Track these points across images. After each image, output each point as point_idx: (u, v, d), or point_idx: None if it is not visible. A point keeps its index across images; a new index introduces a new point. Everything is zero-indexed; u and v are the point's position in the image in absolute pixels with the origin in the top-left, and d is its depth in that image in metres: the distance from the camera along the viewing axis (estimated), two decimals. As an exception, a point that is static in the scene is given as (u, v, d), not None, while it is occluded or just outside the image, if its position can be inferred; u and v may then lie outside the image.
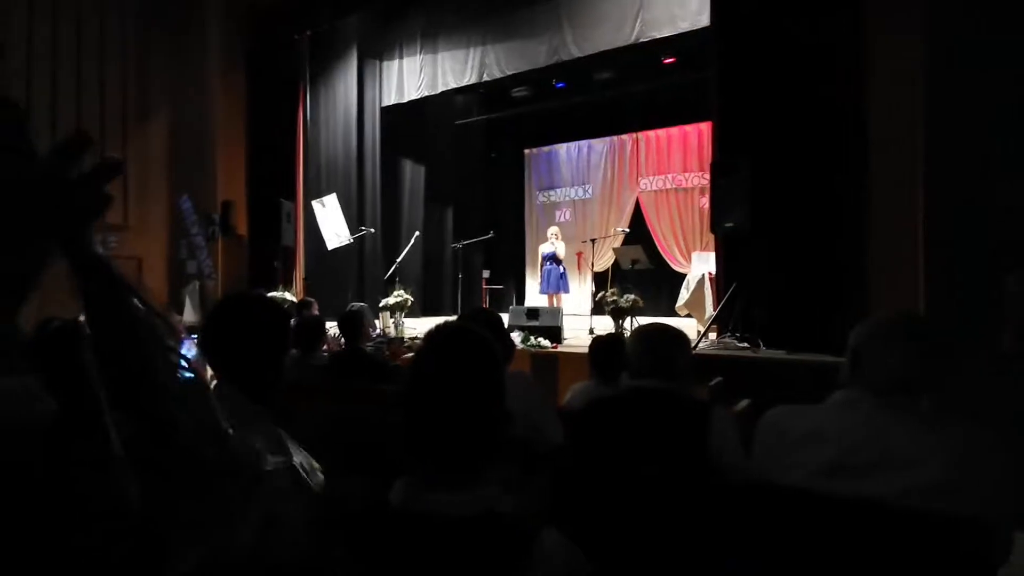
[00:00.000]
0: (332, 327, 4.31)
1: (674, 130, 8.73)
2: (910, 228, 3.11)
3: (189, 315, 6.62)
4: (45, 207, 0.52)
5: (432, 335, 0.92)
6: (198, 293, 6.87)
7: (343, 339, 3.68)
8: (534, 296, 9.62)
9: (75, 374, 0.64)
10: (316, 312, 5.19)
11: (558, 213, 9.89)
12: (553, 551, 0.76)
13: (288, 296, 6.66)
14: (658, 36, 5.99)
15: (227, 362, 1.27)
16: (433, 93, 7.74)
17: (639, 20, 6.02)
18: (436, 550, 0.77)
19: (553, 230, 7.48)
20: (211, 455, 0.84)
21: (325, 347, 4.01)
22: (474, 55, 7.16)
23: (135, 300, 0.72)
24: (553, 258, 7.19)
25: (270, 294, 6.12)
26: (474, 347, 0.87)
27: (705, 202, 7.60)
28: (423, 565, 0.77)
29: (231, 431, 0.91)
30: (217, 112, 7.04)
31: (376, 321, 6.52)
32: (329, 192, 7.41)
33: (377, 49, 8.10)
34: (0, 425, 0.70)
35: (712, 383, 3.96)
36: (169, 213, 7.26)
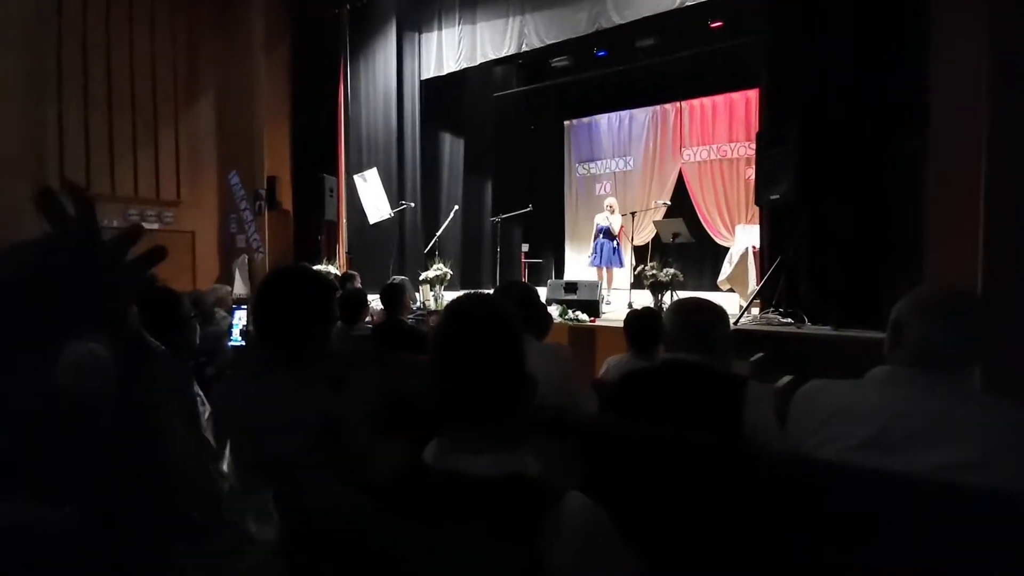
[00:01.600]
0: (374, 299, 4.43)
1: (719, 98, 8.42)
2: (970, 201, 2.94)
3: (239, 287, 6.89)
4: (102, 289, 0.56)
5: (451, 304, 0.96)
6: (247, 266, 7.14)
7: (385, 310, 3.78)
8: (573, 270, 9.58)
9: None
10: (359, 285, 5.33)
11: (598, 186, 9.75)
12: (577, 513, 0.79)
13: (332, 269, 6.85)
14: (704, -1, 5.75)
15: (276, 331, 1.35)
16: (472, 65, 7.67)
17: (684, -18, 5.77)
18: (463, 507, 0.81)
19: (609, 202, 7.37)
20: (200, 516, 0.82)
21: (368, 318, 4.12)
22: (513, 25, 7.04)
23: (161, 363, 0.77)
24: (607, 232, 7.08)
25: (315, 267, 6.31)
26: (488, 313, 0.90)
27: (751, 173, 7.34)
28: (451, 521, 0.81)
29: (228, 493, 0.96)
30: (262, 89, 7.20)
31: (416, 294, 6.64)
32: (370, 166, 7.51)
33: (415, 21, 8.05)
34: (77, 387, 0.77)
35: (753, 358, 3.89)
36: (219, 189, 7.53)
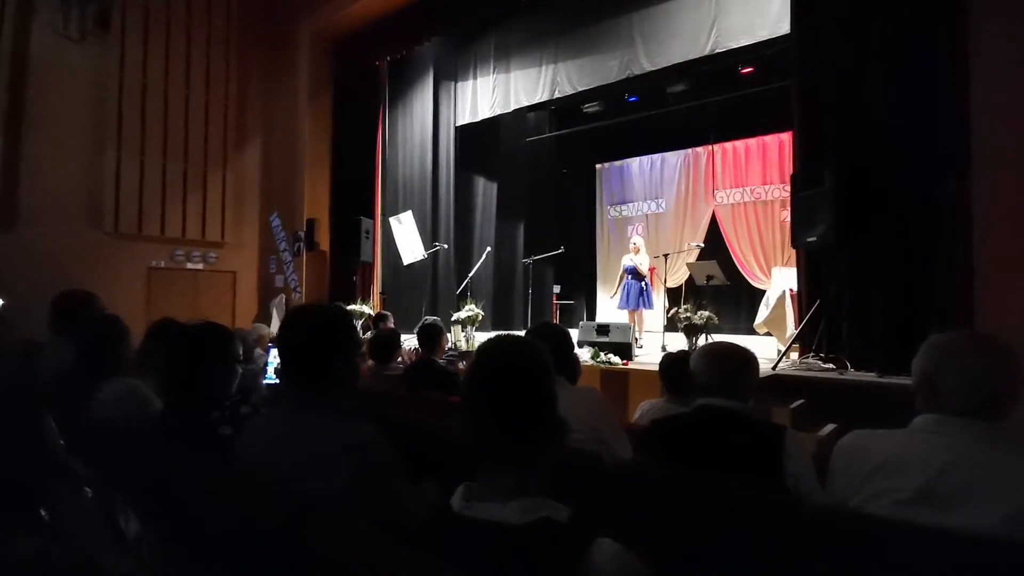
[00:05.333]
0: (407, 340, 4.46)
1: (752, 141, 8.41)
2: (1021, 242, 2.83)
3: (276, 326, 7.05)
4: None
5: (483, 345, 0.95)
6: (284, 306, 7.33)
7: (418, 350, 3.81)
8: (605, 312, 9.50)
9: None
10: (391, 325, 5.39)
11: (630, 228, 9.75)
12: (608, 559, 0.76)
13: (366, 309, 6.97)
14: (735, 46, 5.82)
15: (294, 368, 1.38)
16: (506, 111, 7.90)
17: (715, 30, 5.88)
18: (492, 556, 0.79)
19: (635, 241, 7.18)
20: None
21: (400, 359, 4.15)
22: (546, 72, 7.26)
23: None
24: (634, 272, 6.89)
25: (348, 307, 6.43)
26: (521, 354, 0.90)
27: (786, 215, 7.24)
28: (479, 570, 0.78)
29: None
30: (305, 135, 7.55)
31: (448, 335, 6.67)
32: (405, 209, 7.71)
33: (452, 70, 8.39)
34: (118, 422, 0.79)
35: (793, 405, 3.75)
36: (260, 230, 7.82)
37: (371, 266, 7.66)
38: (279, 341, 1.40)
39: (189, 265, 7.20)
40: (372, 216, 7.66)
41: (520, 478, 0.85)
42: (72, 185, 6.27)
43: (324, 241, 7.67)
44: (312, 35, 7.60)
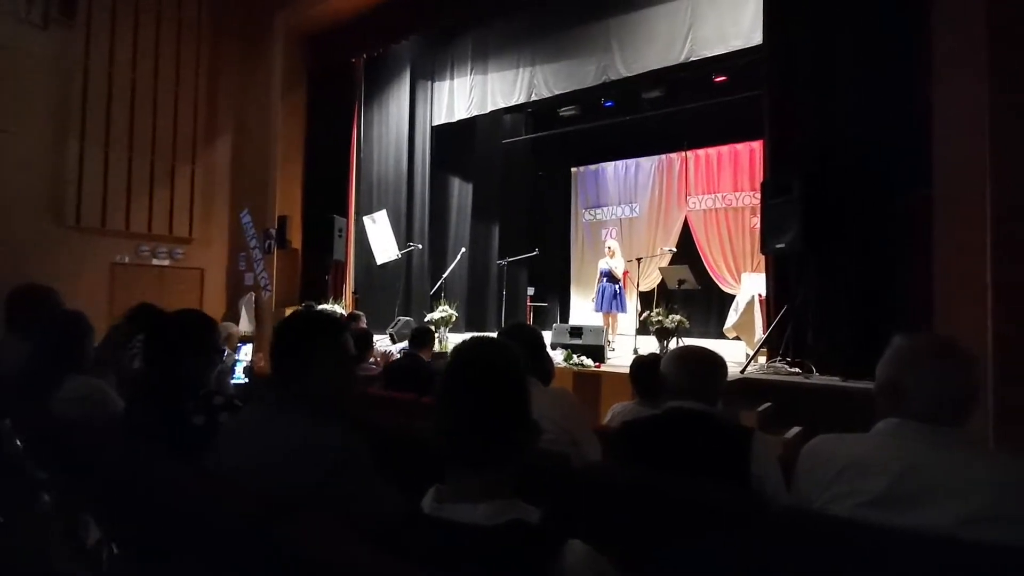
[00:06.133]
0: (379, 340, 4.43)
1: (724, 148, 8.58)
2: (978, 254, 2.95)
3: (244, 325, 6.91)
4: None
5: (458, 347, 0.96)
6: (253, 304, 7.18)
7: (399, 349, 3.89)
8: (579, 314, 9.57)
9: None
10: (364, 325, 5.33)
11: (604, 231, 9.84)
12: (579, 561, 0.77)
13: (338, 309, 6.88)
14: (709, 55, 5.94)
15: (291, 372, 1.37)
16: (482, 112, 7.90)
17: (689, 39, 5.98)
18: (462, 558, 0.79)
19: (609, 244, 7.21)
20: None
21: (373, 359, 4.12)
22: (523, 75, 7.28)
23: None
24: (609, 275, 6.93)
25: (320, 307, 6.34)
26: (495, 357, 0.90)
27: (756, 222, 7.40)
28: (450, 572, 0.78)
29: None
30: (278, 131, 7.41)
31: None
32: (380, 208, 7.64)
33: (428, 70, 8.35)
34: (78, 421, 0.77)
35: (761, 408, 3.83)
36: (230, 226, 7.65)
37: (344, 265, 7.56)
38: (274, 345, 1.39)
39: (155, 261, 6.99)
40: (345, 215, 7.56)
41: (491, 480, 0.85)
42: (32, 177, 6.04)
43: (296, 239, 7.54)
44: (287, 29, 7.47)
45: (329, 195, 7.56)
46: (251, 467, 1.27)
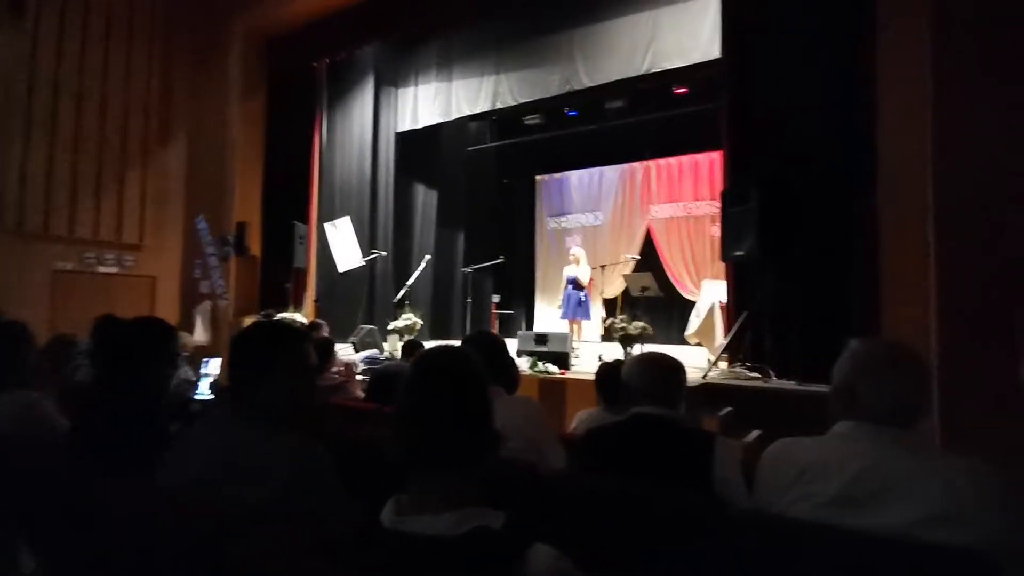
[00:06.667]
0: (342, 348, 4.34)
1: (685, 158, 8.77)
2: (921, 258, 3.08)
3: (199, 335, 6.68)
4: None
5: (418, 355, 0.95)
6: (209, 313, 6.95)
7: (362, 358, 3.76)
8: (544, 321, 9.60)
9: None
10: (326, 334, 5.22)
11: (569, 239, 9.92)
12: (544, 564, 0.76)
13: (298, 317, 6.71)
14: (669, 67, 6.07)
15: (249, 384, 1.32)
16: (447, 120, 7.88)
17: (650, 51, 6.11)
18: (425, 571, 0.77)
19: (574, 252, 7.27)
20: None
21: (335, 368, 4.03)
22: (487, 83, 7.30)
23: None
24: (574, 282, 6.98)
25: (280, 315, 6.19)
26: (455, 365, 0.89)
27: (716, 230, 7.59)
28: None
29: None
30: (236, 135, 7.22)
31: (384, 344, 6.54)
32: (342, 215, 7.51)
33: (393, 76, 8.29)
34: (13, 438, 0.72)
35: (722, 413, 3.90)
36: (184, 233, 7.40)
37: (305, 273, 7.40)
38: (231, 355, 1.35)
39: (101, 269, 6.69)
40: (307, 221, 7.41)
41: (453, 489, 0.84)
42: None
43: (255, 246, 7.34)
44: (245, 31, 7.30)
45: (290, 201, 7.40)
46: (206, 482, 1.22)
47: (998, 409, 2.64)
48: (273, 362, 1.34)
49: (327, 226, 7.38)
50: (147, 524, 1.21)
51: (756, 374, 4.26)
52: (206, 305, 6.99)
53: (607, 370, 2.80)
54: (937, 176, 2.99)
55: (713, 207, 8.15)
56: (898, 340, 1.39)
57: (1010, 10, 2.78)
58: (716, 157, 7.93)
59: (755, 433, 3.66)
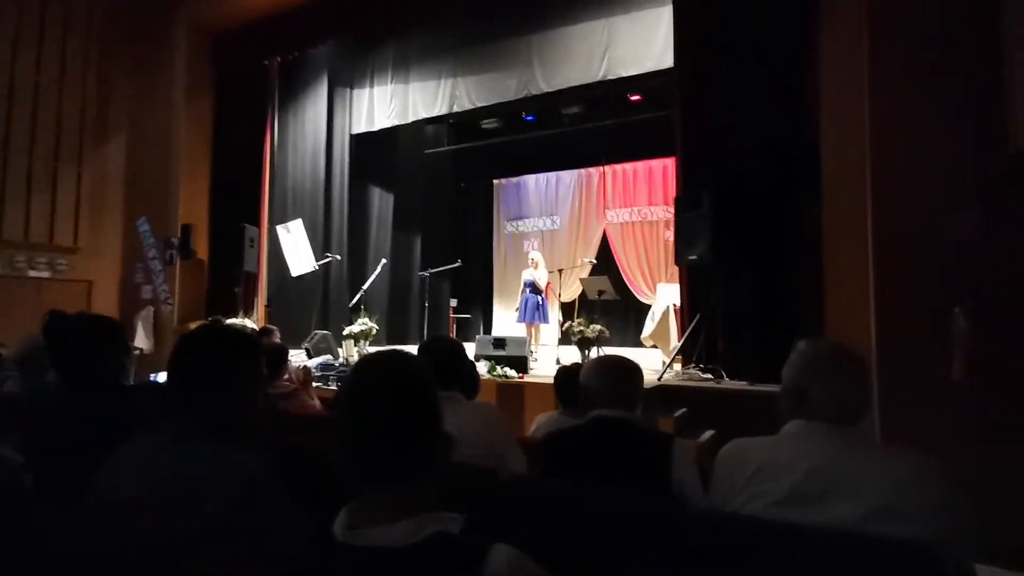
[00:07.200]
0: (295, 355, 4.20)
1: (640, 164, 8.95)
2: (861, 262, 3.22)
3: (141, 341, 6.36)
4: None
5: (359, 360, 0.92)
6: (151, 319, 6.63)
7: (316, 364, 3.61)
8: (502, 325, 9.59)
9: None
10: (277, 340, 5.05)
11: (526, 243, 9.96)
12: (504, 565, 0.75)
13: (248, 323, 6.49)
14: (624, 75, 6.18)
15: (195, 394, 1.24)
16: (403, 122, 7.79)
17: (606, 58, 6.21)
18: None
19: (533, 256, 7.28)
20: None
21: (287, 376, 3.90)
22: (445, 86, 7.26)
23: None
24: (532, 286, 6.99)
25: (229, 321, 5.96)
26: (398, 367, 0.87)
27: (670, 235, 7.76)
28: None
29: None
30: (181, 134, 6.91)
31: (339, 350, 6.38)
32: (295, 218, 7.30)
33: (348, 77, 8.14)
34: None
35: (677, 414, 3.98)
36: (124, 235, 7.04)
37: (256, 277, 7.15)
38: (173, 364, 1.26)
39: (32, 273, 6.28)
40: (258, 224, 7.17)
41: (405, 496, 0.81)
42: None
43: (202, 249, 7.04)
44: (191, 25, 7.00)
45: (240, 203, 7.14)
46: (146, 501, 1.14)
47: (932, 404, 2.78)
48: (235, 371, 1.27)
49: (279, 229, 7.16)
50: (80, 551, 1.12)
51: (709, 375, 4.36)
52: (148, 311, 6.67)
53: (565, 373, 2.81)
54: (874, 181, 3.13)
55: (667, 212, 8.34)
56: (842, 341, 1.44)
57: (943, 17, 2.93)
58: (670, 163, 8.11)
59: (709, 433, 3.75)
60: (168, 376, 1.28)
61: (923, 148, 2.95)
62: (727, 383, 4.21)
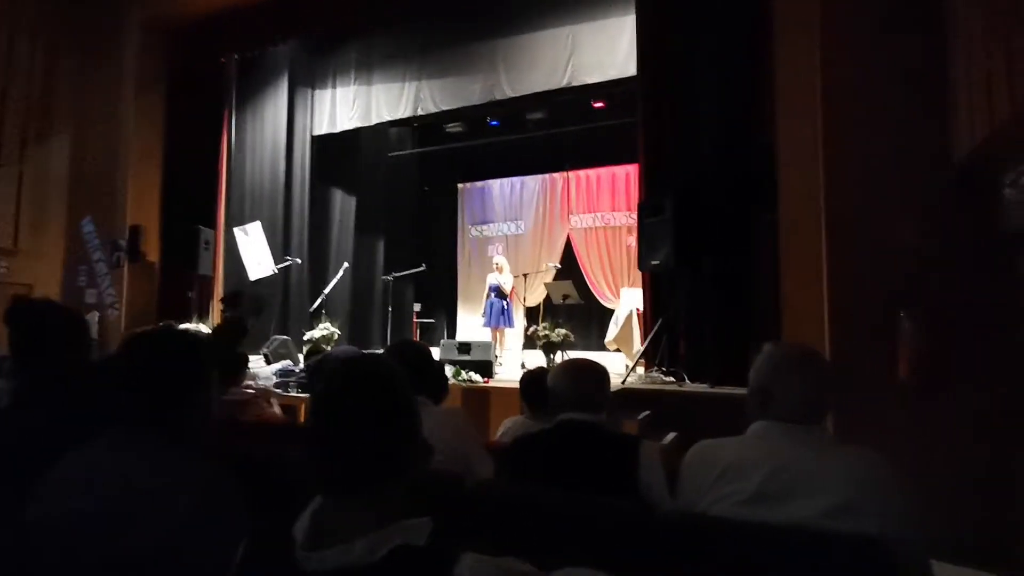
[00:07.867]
0: (255, 361, 4.07)
1: (603, 170, 9.07)
2: (815, 268, 3.32)
3: (87, 348, 6.04)
4: None
5: (331, 365, 0.90)
6: (96, 324, 6.32)
7: (274, 370, 3.50)
8: (466, 330, 9.54)
9: None
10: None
11: (491, 247, 9.95)
12: (473, 573, 0.73)
13: (203, 328, 6.26)
14: (588, 81, 6.26)
15: (143, 400, 1.18)
16: (366, 124, 7.68)
17: (570, 65, 6.28)
18: None
19: (497, 260, 7.29)
20: None
21: (247, 382, 3.77)
22: (409, 89, 7.20)
23: None
24: (497, 291, 7.00)
25: (182, 326, 5.73)
26: (371, 371, 0.84)
27: (633, 240, 7.88)
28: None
29: None
30: (129, 133, 6.62)
31: (299, 355, 6.22)
32: (253, 220, 7.10)
33: (309, 77, 7.98)
34: None
35: (640, 416, 4.03)
36: (67, 237, 6.70)
37: (211, 280, 6.91)
38: (123, 371, 1.20)
39: (-33, 276, 5.93)
40: (214, 226, 6.93)
41: (374, 502, 0.78)
42: None
43: (152, 251, 6.75)
44: (142, 20, 6.73)
45: (194, 204, 6.89)
46: (92, 515, 1.07)
47: (883, 403, 2.88)
48: (201, 377, 1.23)
49: (236, 231, 6.95)
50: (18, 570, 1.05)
51: (671, 378, 4.43)
52: (94, 315, 6.35)
53: (531, 378, 2.80)
54: (827, 188, 3.24)
55: (630, 218, 8.46)
56: (807, 345, 1.48)
57: (891, 25, 3.06)
58: (632, 170, 8.25)
59: (672, 435, 3.81)
60: (115, 381, 1.22)
61: (874, 157, 3.07)
62: (689, 386, 4.28)
